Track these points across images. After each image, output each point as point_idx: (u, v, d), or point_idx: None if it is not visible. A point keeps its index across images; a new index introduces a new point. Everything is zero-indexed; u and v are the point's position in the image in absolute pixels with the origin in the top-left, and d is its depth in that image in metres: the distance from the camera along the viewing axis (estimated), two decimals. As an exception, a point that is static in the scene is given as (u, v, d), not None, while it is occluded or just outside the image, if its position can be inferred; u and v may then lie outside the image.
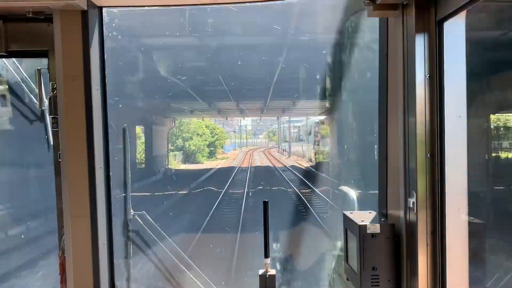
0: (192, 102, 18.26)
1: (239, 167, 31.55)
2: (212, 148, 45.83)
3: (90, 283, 1.39)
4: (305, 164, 34.49)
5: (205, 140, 41.47)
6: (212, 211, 11.08)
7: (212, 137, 46.76)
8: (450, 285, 1.33)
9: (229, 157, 51.06)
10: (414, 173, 1.34)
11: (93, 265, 1.38)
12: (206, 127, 46.51)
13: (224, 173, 25.57)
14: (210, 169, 29.74)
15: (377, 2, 1.37)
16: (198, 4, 1.50)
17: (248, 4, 1.36)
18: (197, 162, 37.85)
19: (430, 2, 1.34)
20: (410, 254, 1.36)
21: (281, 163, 36.54)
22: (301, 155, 48.75)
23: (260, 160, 45.30)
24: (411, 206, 1.33)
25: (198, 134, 40.48)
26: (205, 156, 40.42)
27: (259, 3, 1.46)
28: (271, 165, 33.92)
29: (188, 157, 37.98)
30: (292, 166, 30.68)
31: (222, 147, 60.72)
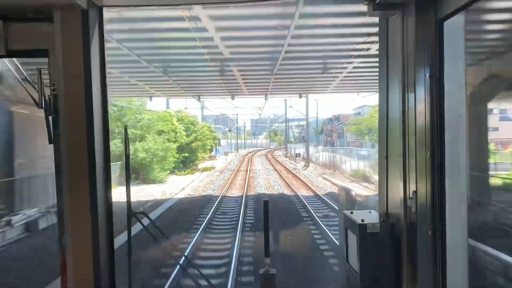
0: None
1: (221, 198, 22.73)
2: (188, 154, 44.38)
3: (90, 283, 2.36)
4: (357, 187, 24.57)
5: (174, 141, 39.88)
6: None
7: (188, 136, 45.57)
8: (450, 285, 2.38)
9: (214, 168, 46.44)
10: (414, 173, 2.36)
11: (93, 265, 2.33)
12: (178, 121, 43.64)
13: (171, 231, 15.72)
14: (159, 204, 21.44)
15: (377, 2, 2.42)
16: (199, 3, 2.60)
17: (249, 3, 2.36)
18: (152, 181, 33.28)
19: (430, 1, 2.32)
20: (410, 253, 2.37)
21: (303, 182, 29.39)
22: (327, 165, 43.89)
23: (264, 175, 36.98)
24: (411, 205, 2.38)
25: (162, 132, 37.92)
26: (167, 169, 36.63)
27: (259, 3, 2.54)
28: (289, 192, 25.14)
29: (137, 173, 33.85)
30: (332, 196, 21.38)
31: (210, 150, 59.29)
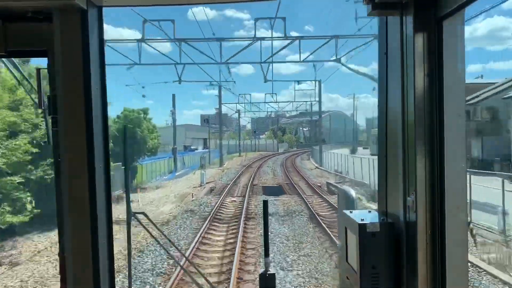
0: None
1: None
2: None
3: (90, 283, 2.45)
4: None
5: None
6: None
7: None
8: (450, 285, 2.40)
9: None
10: (413, 172, 2.40)
11: (93, 265, 2.43)
12: None
13: None
14: None
15: (376, 1, 2.45)
16: (198, 3, 2.63)
17: (248, 3, 2.41)
18: None
19: (430, 0, 2.41)
20: (409, 253, 2.41)
21: None
22: None
23: None
24: (410, 205, 2.41)
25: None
26: None
27: (258, 2, 2.57)
28: None
29: None
30: None
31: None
